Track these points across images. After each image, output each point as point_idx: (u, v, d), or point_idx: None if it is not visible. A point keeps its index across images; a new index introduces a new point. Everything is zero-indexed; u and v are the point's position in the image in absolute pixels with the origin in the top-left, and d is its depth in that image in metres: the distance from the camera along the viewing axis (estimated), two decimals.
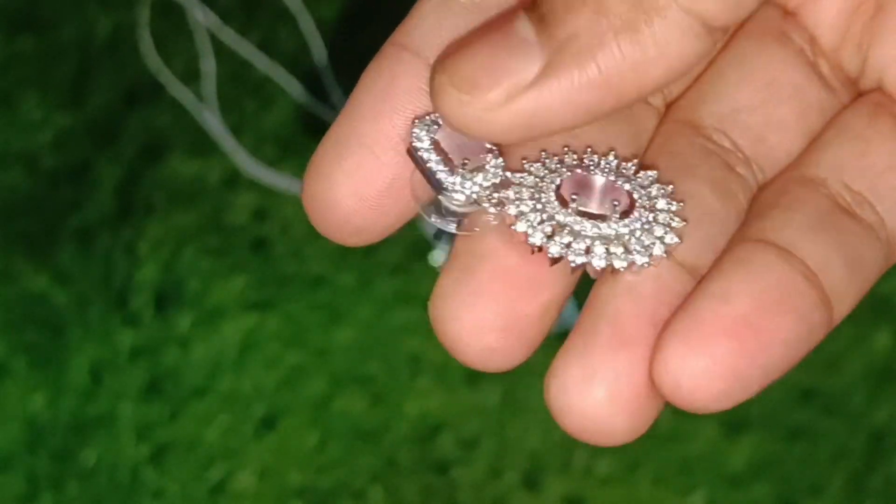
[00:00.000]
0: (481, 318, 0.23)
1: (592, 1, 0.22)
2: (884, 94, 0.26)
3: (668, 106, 0.26)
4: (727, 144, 0.25)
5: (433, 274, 0.57)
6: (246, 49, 0.63)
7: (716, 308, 0.22)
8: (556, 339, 0.23)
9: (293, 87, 0.62)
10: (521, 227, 0.22)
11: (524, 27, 0.22)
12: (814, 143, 0.25)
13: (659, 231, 0.23)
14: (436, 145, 0.23)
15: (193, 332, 0.57)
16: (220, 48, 0.63)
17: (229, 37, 0.63)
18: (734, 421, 0.57)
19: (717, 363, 0.21)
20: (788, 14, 0.26)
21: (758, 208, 0.24)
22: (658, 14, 0.22)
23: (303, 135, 0.62)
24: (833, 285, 0.23)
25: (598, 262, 0.22)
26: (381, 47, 0.24)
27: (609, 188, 0.23)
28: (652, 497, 0.56)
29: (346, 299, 0.58)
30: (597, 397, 0.22)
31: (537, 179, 0.23)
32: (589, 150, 0.24)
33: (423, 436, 0.56)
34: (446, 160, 0.23)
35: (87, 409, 0.56)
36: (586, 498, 0.55)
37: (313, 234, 0.65)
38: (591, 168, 0.23)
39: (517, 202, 0.23)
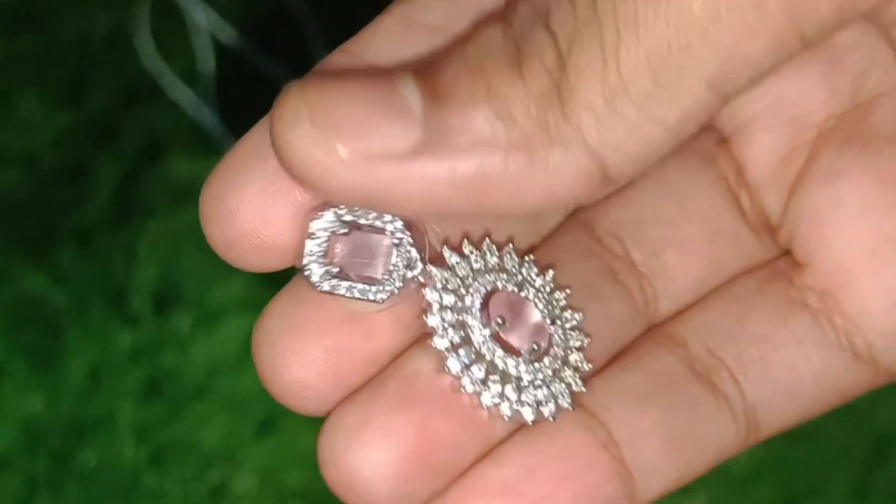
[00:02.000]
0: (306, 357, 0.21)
1: (499, 102, 0.19)
2: (789, 260, 0.23)
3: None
4: (619, 251, 0.23)
5: None
6: (246, 49, 0.63)
7: (485, 471, 0.21)
8: None
9: None
10: (453, 366, 0.21)
11: (411, 94, 0.19)
12: (695, 304, 0.24)
13: (567, 376, 0.22)
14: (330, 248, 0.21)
15: (193, 332, 0.57)
16: (219, 48, 0.63)
17: (229, 37, 0.63)
18: None
19: None
20: (722, 140, 0.24)
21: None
22: (561, 144, 0.19)
23: None
24: (641, 460, 0.22)
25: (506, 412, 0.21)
26: (331, 54, 0.21)
27: (538, 329, 0.22)
28: None
29: None
30: (366, 451, 0.21)
31: (460, 282, 0.21)
32: (511, 244, 0.22)
33: None
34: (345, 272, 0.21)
35: (86, 409, 0.56)
36: None
37: None
38: (521, 284, 0.21)
39: (442, 320, 0.21)
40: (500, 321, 0.21)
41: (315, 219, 0.21)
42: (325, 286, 0.21)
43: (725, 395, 0.23)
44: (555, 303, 0.22)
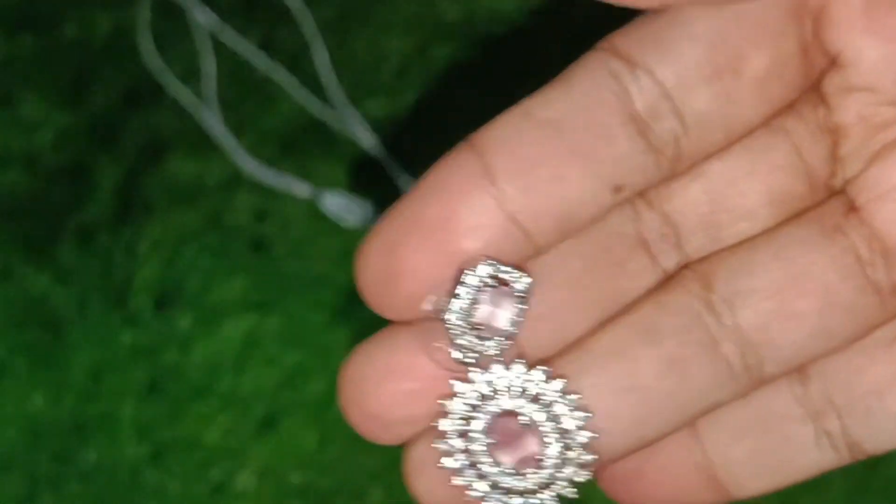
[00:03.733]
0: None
1: None
2: None
3: (686, 265, 0.26)
4: (727, 321, 0.25)
5: None
6: (246, 49, 0.63)
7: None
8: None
9: (293, 88, 0.62)
10: (448, 463, 0.25)
11: None
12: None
13: (569, 471, 0.26)
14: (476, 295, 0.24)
15: (193, 331, 0.57)
16: (220, 48, 0.63)
17: (229, 37, 0.63)
18: None
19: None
20: (853, 209, 0.25)
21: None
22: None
23: (303, 135, 0.61)
24: (733, 478, 0.26)
25: None
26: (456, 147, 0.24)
27: (529, 454, 0.25)
28: None
29: (347, 299, 0.58)
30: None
31: (469, 407, 0.25)
32: (543, 367, 0.25)
33: None
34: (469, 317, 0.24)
35: (87, 408, 0.56)
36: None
37: (313, 234, 0.65)
38: (508, 396, 0.25)
39: (450, 426, 0.25)
40: (495, 441, 0.25)
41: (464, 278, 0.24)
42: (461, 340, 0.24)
43: (829, 433, 0.26)
44: (566, 420, 0.25)
